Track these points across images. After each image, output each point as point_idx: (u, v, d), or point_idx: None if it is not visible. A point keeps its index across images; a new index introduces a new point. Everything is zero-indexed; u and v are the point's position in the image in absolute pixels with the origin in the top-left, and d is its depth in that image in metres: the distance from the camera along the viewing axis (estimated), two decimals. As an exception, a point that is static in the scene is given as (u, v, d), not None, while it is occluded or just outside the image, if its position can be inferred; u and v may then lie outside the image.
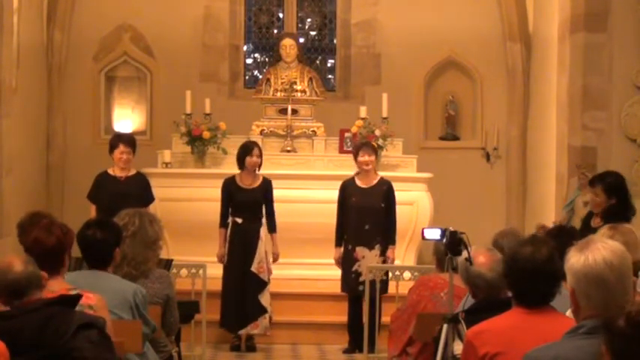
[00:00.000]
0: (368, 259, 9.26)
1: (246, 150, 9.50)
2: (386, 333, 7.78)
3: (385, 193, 9.37)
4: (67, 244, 4.58)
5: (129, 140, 9.60)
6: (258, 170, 9.53)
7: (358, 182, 9.45)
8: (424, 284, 6.01)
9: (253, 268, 9.28)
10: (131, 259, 5.59)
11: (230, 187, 9.44)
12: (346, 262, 9.37)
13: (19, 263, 4.04)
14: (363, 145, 9.79)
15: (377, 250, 9.31)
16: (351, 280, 9.35)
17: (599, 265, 3.10)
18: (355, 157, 9.51)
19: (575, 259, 3.13)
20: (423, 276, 6.88)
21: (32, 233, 4.66)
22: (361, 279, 9.24)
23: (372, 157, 9.44)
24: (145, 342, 5.09)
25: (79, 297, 4.11)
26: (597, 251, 3.12)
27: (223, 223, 9.43)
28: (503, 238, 5.30)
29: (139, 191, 9.34)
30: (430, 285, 5.85)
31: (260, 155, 9.51)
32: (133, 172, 9.52)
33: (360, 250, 9.31)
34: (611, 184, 7.40)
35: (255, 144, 9.72)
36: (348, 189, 9.46)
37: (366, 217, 9.30)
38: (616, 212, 7.14)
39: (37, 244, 4.56)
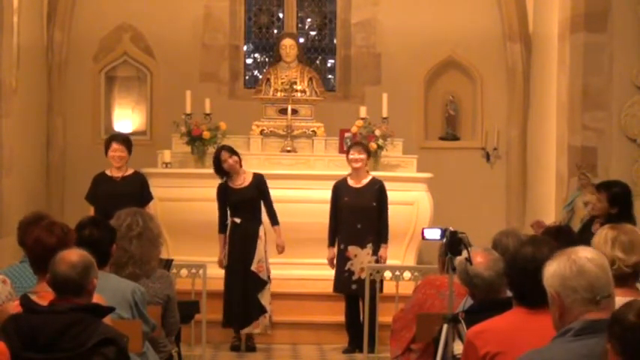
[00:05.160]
0: (360, 257, 9.27)
1: (217, 158, 9.46)
2: (384, 332, 7.76)
3: (377, 192, 9.38)
4: (68, 244, 4.57)
5: (122, 139, 9.60)
6: (241, 167, 9.49)
7: (350, 182, 9.46)
8: (430, 283, 6.01)
9: (253, 268, 9.29)
10: (138, 259, 5.60)
11: (224, 191, 9.44)
12: (339, 262, 9.38)
13: (80, 262, 4.02)
14: (354, 143, 9.83)
15: (369, 249, 9.31)
16: (344, 279, 9.36)
17: (581, 259, 3.18)
18: (347, 156, 9.54)
19: (554, 266, 3.19)
20: (429, 276, 6.89)
21: (33, 233, 4.66)
22: (354, 278, 9.27)
23: (362, 156, 9.43)
24: (145, 341, 5.09)
25: (110, 309, 4.09)
26: (574, 253, 3.20)
27: (222, 229, 9.43)
28: (507, 237, 5.28)
29: (134, 191, 9.29)
30: (437, 284, 5.85)
31: (232, 154, 9.41)
32: (129, 171, 9.50)
33: (353, 249, 9.32)
34: (616, 195, 7.37)
35: (222, 148, 9.62)
36: (340, 189, 9.46)
37: (358, 216, 9.31)
38: (616, 222, 7.10)
39: (38, 243, 4.56)
